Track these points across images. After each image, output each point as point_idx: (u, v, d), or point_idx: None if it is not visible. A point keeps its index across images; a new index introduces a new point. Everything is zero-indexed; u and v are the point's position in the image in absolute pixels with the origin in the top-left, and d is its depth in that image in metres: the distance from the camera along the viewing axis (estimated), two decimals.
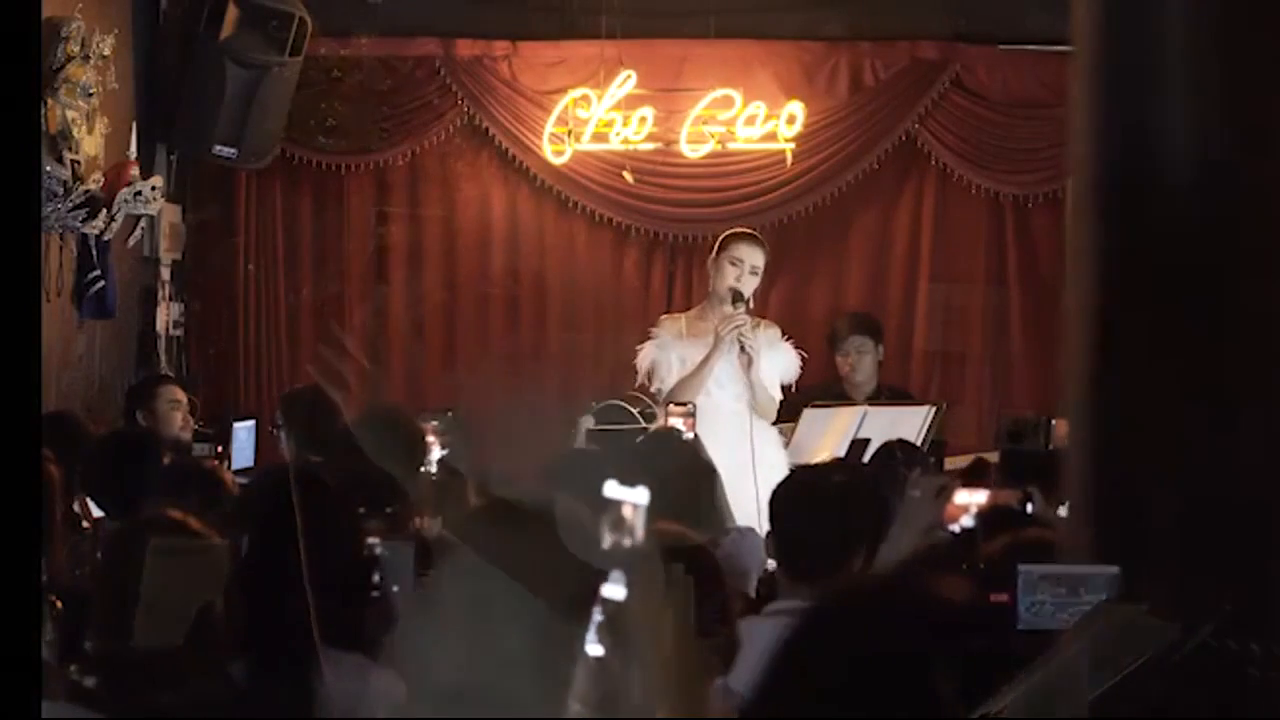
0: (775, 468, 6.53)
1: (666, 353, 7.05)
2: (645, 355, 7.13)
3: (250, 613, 3.29)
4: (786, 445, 6.99)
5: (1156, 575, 3.01)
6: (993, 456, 6.39)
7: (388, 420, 5.09)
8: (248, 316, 9.45)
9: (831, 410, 7.23)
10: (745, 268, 7.01)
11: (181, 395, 7.35)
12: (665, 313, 7.92)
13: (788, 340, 7.22)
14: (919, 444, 6.58)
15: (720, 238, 7.24)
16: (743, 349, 6.89)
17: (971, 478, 4.86)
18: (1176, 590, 2.97)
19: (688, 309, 7.57)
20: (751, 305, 7.07)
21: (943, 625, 1.50)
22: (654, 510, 2.09)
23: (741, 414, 6.82)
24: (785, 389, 7.15)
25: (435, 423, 5.15)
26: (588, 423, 6.07)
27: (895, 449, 5.99)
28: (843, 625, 1.50)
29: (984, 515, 3.90)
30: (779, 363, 7.10)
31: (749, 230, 7.37)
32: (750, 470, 6.33)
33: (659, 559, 3.00)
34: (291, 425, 5.65)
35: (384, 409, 5.27)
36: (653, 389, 7.12)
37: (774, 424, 7.08)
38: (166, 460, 5.35)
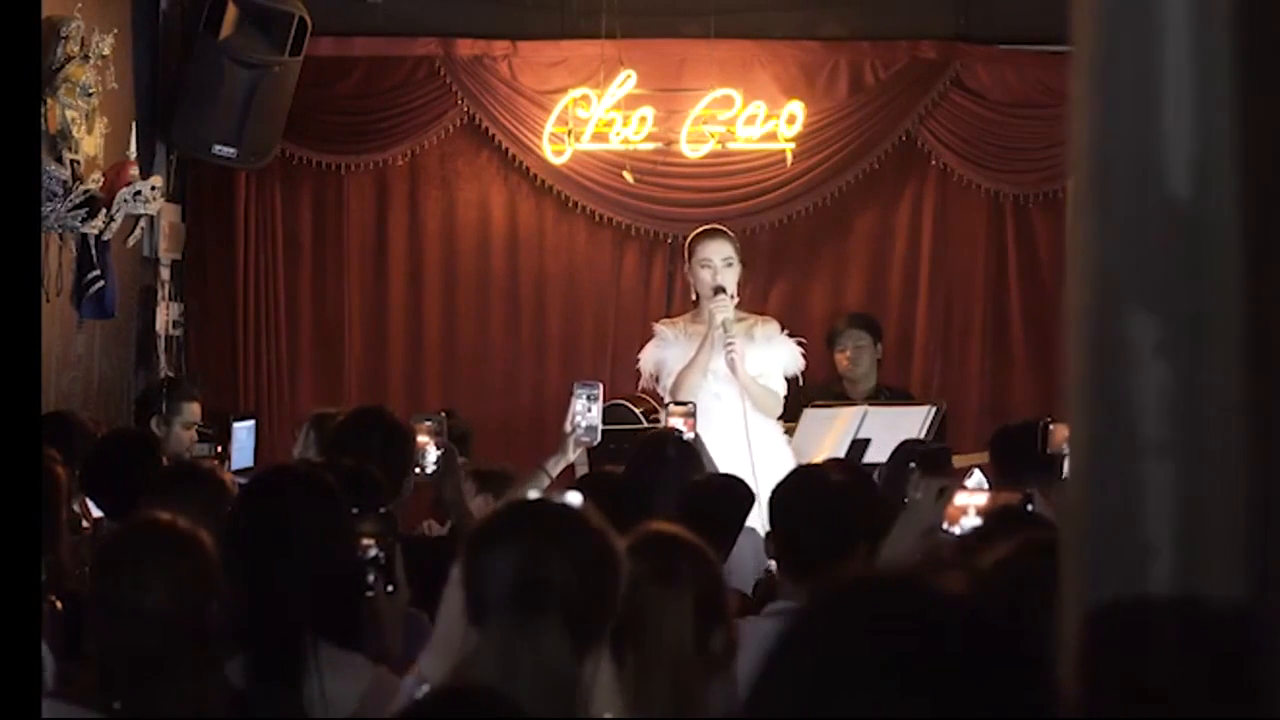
0: (773, 462, 6.51)
1: (668, 351, 7.03)
2: (648, 357, 7.11)
3: (250, 613, 3.29)
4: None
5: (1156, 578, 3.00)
6: (983, 457, 6.40)
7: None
8: (248, 316, 9.44)
9: (831, 410, 7.23)
10: (718, 264, 6.98)
11: (199, 415, 7.34)
12: (665, 312, 7.90)
13: (785, 333, 7.16)
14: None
15: (687, 241, 7.19)
16: (727, 346, 6.85)
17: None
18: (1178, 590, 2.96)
19: (687, 309, 7.56)
20: (737, 297, 7.02)
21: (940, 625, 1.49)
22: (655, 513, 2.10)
23: (736, 409, 6.81)
24: (791, 382, 7.10)
25: (429, 423, 5.13)
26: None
27: (913, 449, 5.95)
28: (836, 624, 1.49)
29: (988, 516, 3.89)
30: (779, 356, 7.06)
31: (711, 226, 7.32)
32: (748, 463, 6.31)
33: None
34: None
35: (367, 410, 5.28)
36: (658, 388, 7.10)
37: (779, 420, 7.06)
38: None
